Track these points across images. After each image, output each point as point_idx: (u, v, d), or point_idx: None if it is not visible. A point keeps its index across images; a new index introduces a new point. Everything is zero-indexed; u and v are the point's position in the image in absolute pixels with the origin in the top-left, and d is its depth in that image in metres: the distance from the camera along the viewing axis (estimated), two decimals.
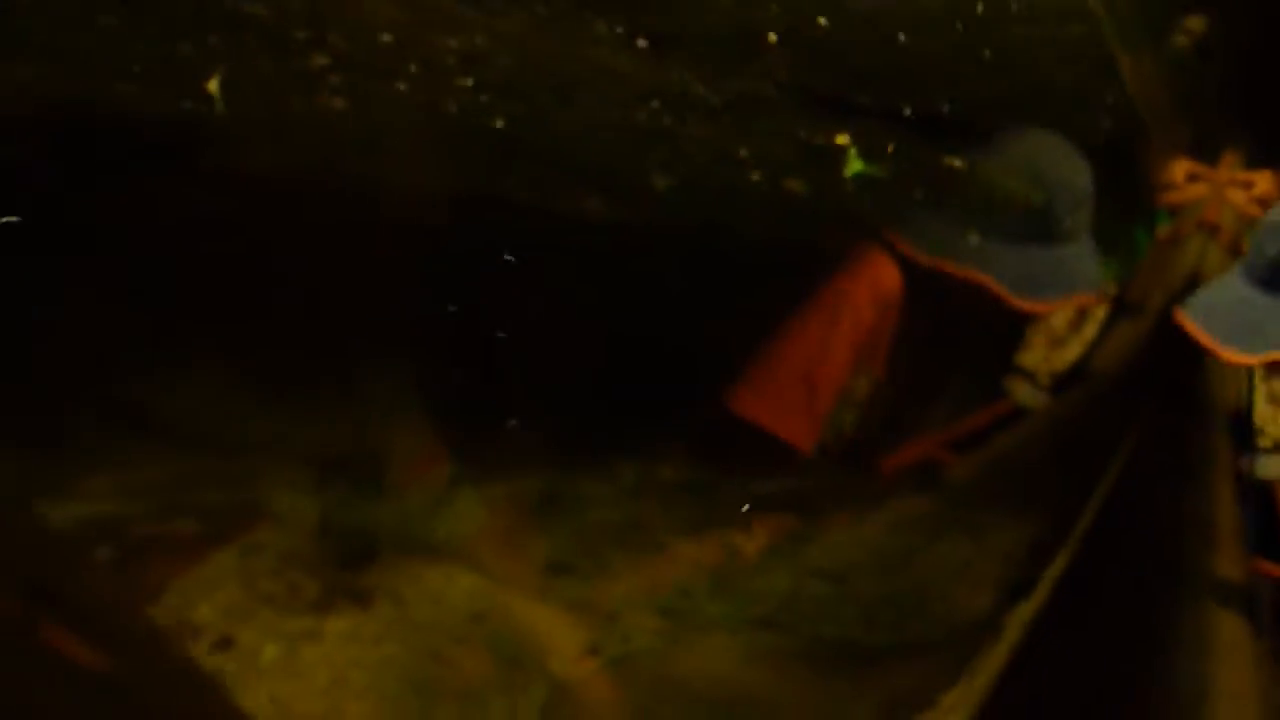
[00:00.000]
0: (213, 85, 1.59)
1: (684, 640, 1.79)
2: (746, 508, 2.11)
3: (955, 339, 2.46)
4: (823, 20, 1.82)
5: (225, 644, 1.80)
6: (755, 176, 2.02)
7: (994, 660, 1.42)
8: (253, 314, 2.20)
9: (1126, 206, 2.52)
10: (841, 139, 1.98)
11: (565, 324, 2.44)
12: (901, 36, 1.98)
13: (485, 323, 2.40)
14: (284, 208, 2.07)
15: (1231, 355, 2.25)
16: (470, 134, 1.87)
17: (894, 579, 1.90)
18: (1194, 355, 2.55)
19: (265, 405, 2.17)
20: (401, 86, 1.78)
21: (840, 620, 1.77)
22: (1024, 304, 2.31)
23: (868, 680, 1.56)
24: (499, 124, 1.87)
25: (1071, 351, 2.65)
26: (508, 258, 2.26)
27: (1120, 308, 2.65)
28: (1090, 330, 2.64)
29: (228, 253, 2.14)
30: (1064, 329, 2.63)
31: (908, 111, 2.16)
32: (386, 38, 1.67)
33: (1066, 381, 2.63)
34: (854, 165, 1.99)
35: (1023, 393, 2.59)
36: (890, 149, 2.04)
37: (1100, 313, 2.65)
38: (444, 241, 2.16)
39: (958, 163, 2.21)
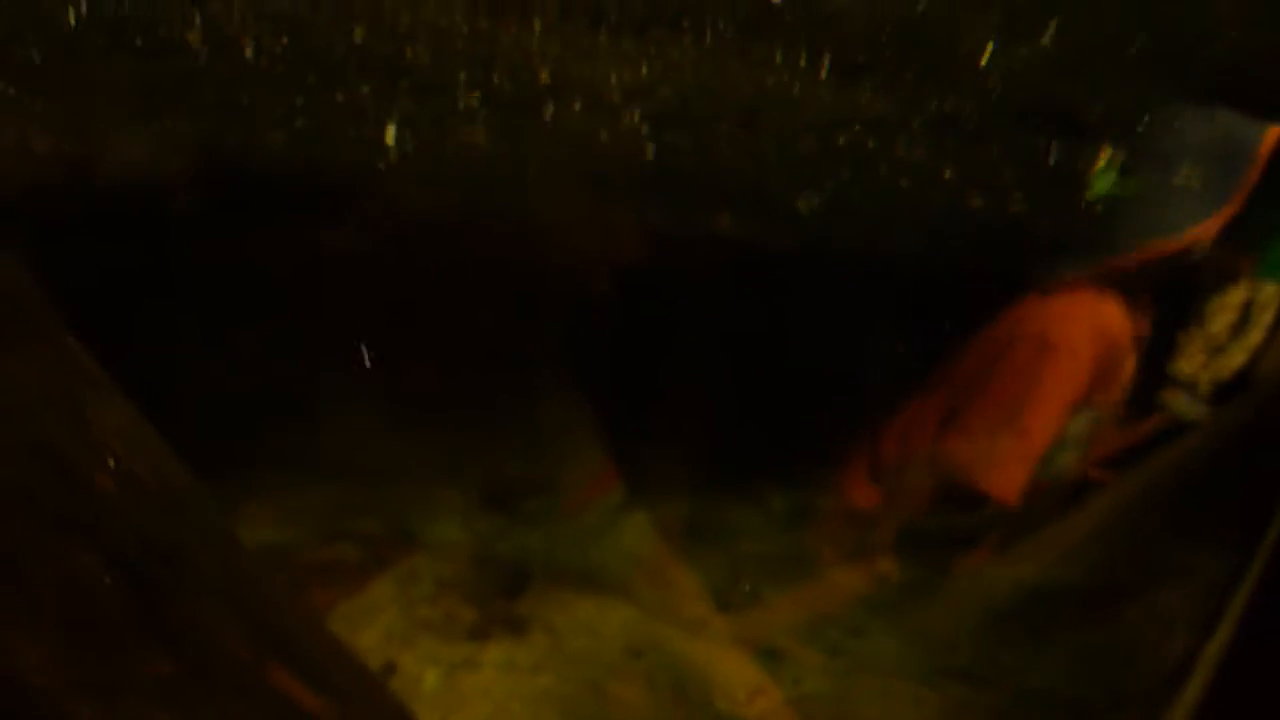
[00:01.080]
0: (389, 134, 1.62)
1: (861, 685, 1.68)
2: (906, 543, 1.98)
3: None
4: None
5: (389, 670, 1.81)
6: (975, 201, 1.90)
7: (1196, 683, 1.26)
8: (416, 349, 2.24)
9: None
10: (1088, 160, 1.85)
11: (724, 350, 2.38)
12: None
13: (645, 351, 2.37)
14: (442, 245, 2.11)
15: None
16: (636, 167, 1.84)
17: (1103, 630, 1.74)
18: None
19: (425, 438, 2.21)
20: (557, 119, 1.77)
21: (1046, 672, 1.62)
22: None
23: None
24: (654, 153, 1.84)
25: (1236, 358, 2.40)
26: (673, 286, 2.23)
27: None
28: (1256, 336, 2.38)
29: (389, 290, 2.19)
30: (1225, 334, 2.38)
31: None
32: (545, 76, 1.67)
33: (1230, 391, 2.38)
34: (1100, 185, 1.84)
35: (1180, 405, 2.36)
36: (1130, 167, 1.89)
37: (1267, 317, 2.39)
38: (609, 274, 2.15)
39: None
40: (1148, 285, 2.13)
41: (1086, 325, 1.99)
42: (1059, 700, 1.50)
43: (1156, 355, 2.42)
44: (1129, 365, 2.05)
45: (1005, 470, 1.96)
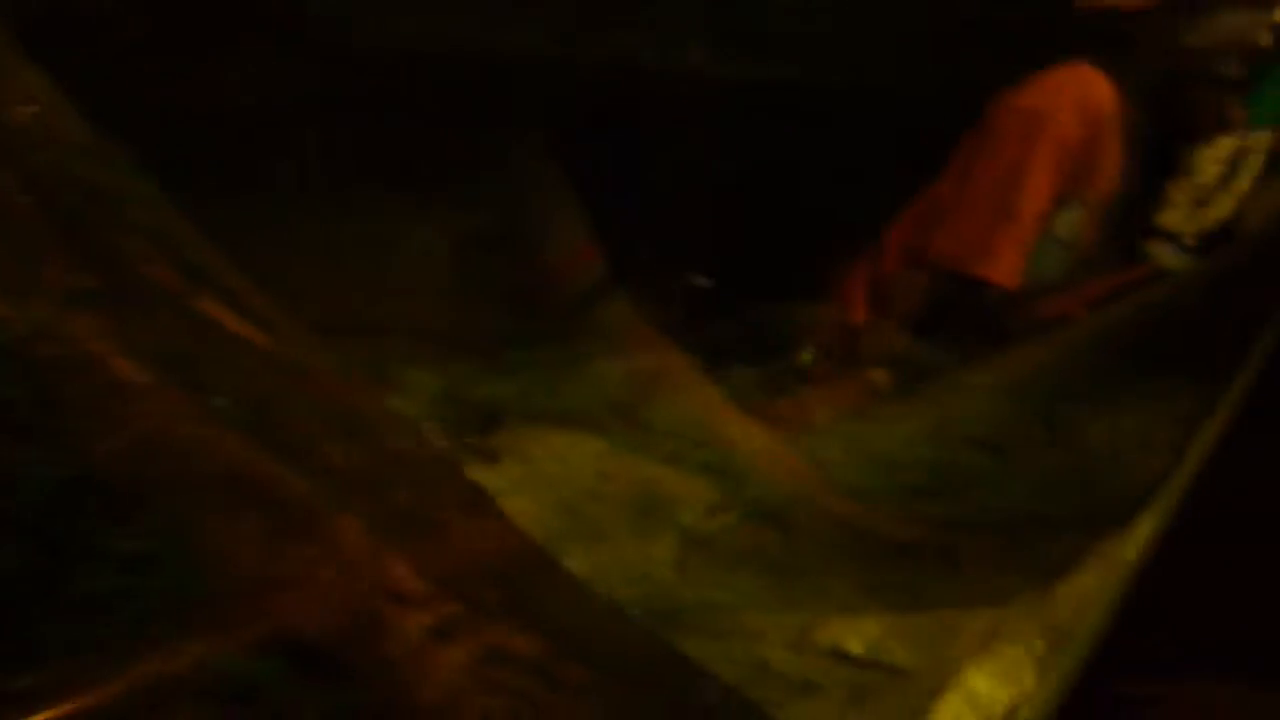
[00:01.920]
0: None
1: (821, 500, 1.72)
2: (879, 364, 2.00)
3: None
4: None
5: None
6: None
7: (1175, 487, 1.30)
8: (377, 185, 2.21)
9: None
10: None
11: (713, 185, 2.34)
12: None
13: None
14: (402, 78, 2.06)
15: None
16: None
17: (1067, 451, 1.77)
18: None
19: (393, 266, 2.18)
20: None
21: (1008, 492, 1.65)
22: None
23: (1046, 540, 1.45)
24: None
25: (1222, 207, 2.38)
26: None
27: (1274, 159, 2.35)
28: (1243, 183, 2.36)
29: (349, 127, 2.15)
30: (1213, 184, 2.36)
31: None
32: None
33: (1214, 242, 2.37)
34: None
35: (1164, 255, 2.36)
36: None
37: (1256, 164, 2.36)
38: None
39: None
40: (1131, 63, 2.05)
41: (1073, 99, 1.95)
42: (1021, 516, 1.54)
43: (1144, 206, 2.40)
44: (1116, 152, 2.02)
45: (1000, 254, 1.96)
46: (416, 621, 0.51)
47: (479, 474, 2.00)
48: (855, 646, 1.12)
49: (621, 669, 0.58)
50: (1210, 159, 2.40)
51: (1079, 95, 1.97)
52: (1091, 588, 1.08)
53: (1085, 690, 0.85)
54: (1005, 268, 2.00)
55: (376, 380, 2.22)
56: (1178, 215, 2.38)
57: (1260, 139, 2.37)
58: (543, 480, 1.91)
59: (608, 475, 1.92)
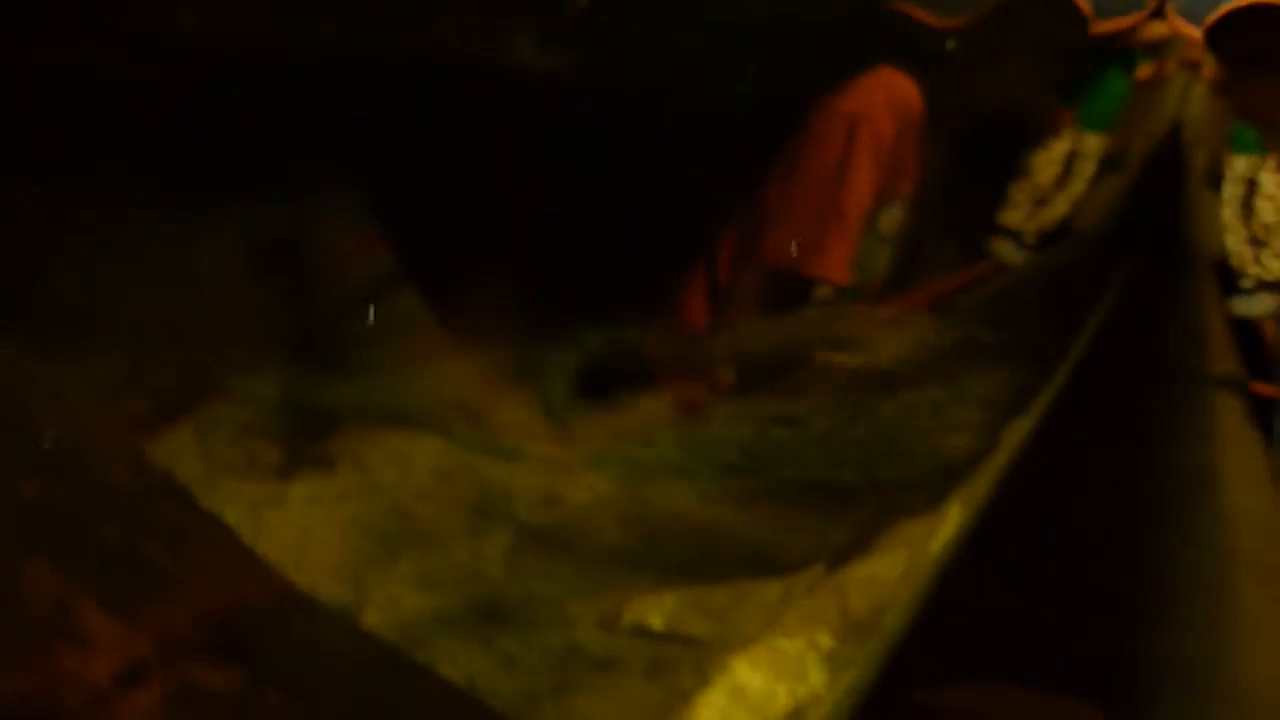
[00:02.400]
0: None
1: (649, 486, 1.76)
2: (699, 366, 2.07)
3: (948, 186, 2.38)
4: None
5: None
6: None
7: (985, 478, 1.38)
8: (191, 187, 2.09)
9: (1101, 44, 2.41)
10: None
11: (529, 192, 2.35)
12: None
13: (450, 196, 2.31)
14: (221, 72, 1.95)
15: None
16: None
17: (859, 425, 1.87)
18: (1176, 204, 2.50)
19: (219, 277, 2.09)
20: None
21: (803, 463, 1.74)
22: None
23: (836, 513, 1.53)
24: None
25: (1059, 208, 2.59)
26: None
27: (1106, 160, 2.57)
28: (1078, 186, 2.57)
29: (162, 123, 2.03)
30: (1050, 185, 2.56)
31: None
32: None
33: (1051, 240, 2.57)
34: None
35: (1006, 251, 2.54)
36: None
37: (1089, 167, 2.57)
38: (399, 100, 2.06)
39: None
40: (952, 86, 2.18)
41: (885, 96, 2.07)
42: (813, 485, 1.63)
43: (987, 206, 2.57)
44: (920, 152, 2.16)
45: (828, 252, 2.06)
46: (102, 667, 0.50)
47: (313, 482, 1.96)
48: (656, 622, 1.17)
49: (337, 689, 0.58)
50: (1045, 161, 2.59)
51: (891, 97, 2.09)
52: (889, 576, 1.11)
53: (880, 698, 0.83)
54: (834, 264, 2.10)
55: (207, 391, 2.12)
56: (1019, 214, 2.57)
57: (1091, 142, 2.58)
58: (378, 485, 1.88)
59: (446, 475, 1.90)
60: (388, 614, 1.49)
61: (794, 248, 2.13)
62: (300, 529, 1.77)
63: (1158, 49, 2.49)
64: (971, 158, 2.51)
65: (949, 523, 1.29)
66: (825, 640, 0.99)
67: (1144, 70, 2.52)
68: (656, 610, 1.12)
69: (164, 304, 2.15)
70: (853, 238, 2.15)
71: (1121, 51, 2.46)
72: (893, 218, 2.26)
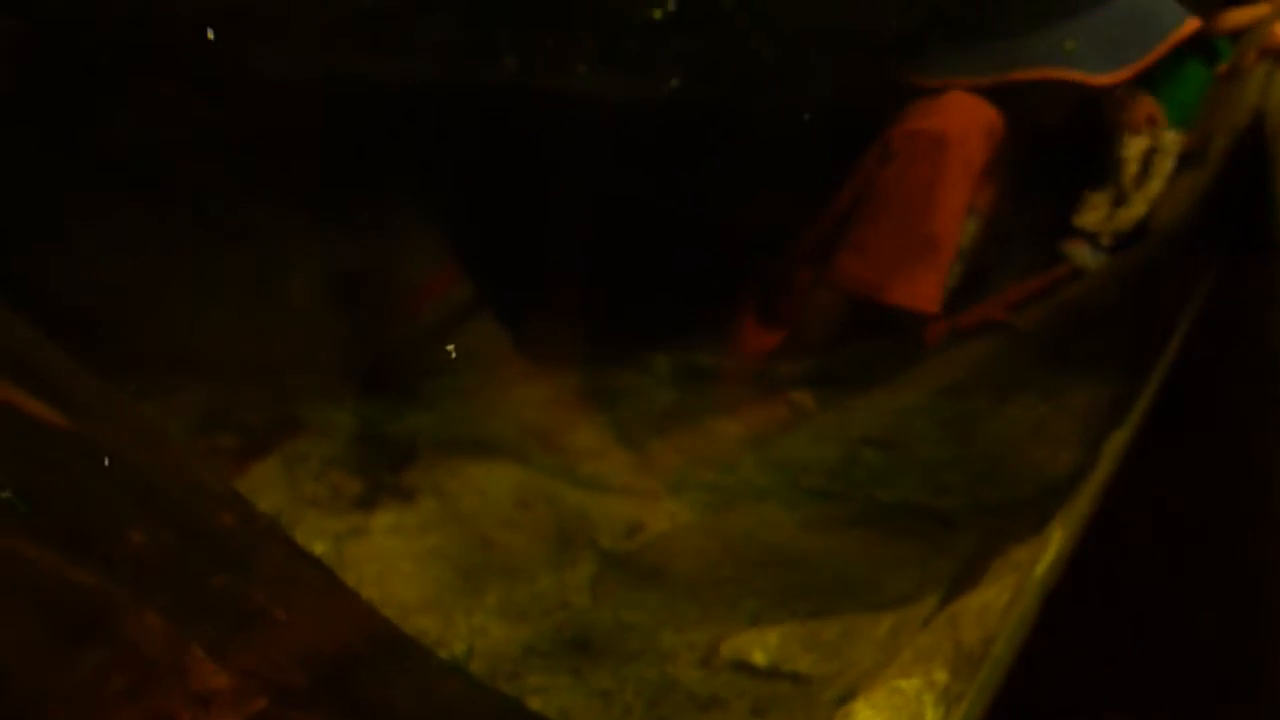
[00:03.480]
0: None
1: (733, 512, 1.72)
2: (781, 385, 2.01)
3: (1018, 196, 2.30)
4: None
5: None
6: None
7: (1085, 497, 1.30)
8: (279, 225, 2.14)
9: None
10: None
11: (595, 212, 2.34)
12: None
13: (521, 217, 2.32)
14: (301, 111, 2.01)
15: None
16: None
17: (960, 445, 1.79)
18: (1262, 197, 2.36)
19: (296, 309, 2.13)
20: None
21: (901, 486, 1.67)
22: (1107, 78, 2.07)
23: (940, 539, 1.46)
24: None
25: (1137, 209, 2.48)
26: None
27: (1184, 157, 2.45)
28: (1156, 185, 2.46)
29: (247, 163, 2.09)
30: (1129, 186, 2.45)
31: None
32: None
33: (1129, 241, 2.46)
34: None
35: (1082, 255, 2.44)
36: None
37: (1167, 165, 2.45)
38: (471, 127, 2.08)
39: None
40: (1023, 110, 2.14)
41: (973, 118, 1.99)
42: (913, 509, 1.56)
43: (1063, 209, 2.48)
44: (999, 174, 2.08)
45: (920, 281, 1.98)
46: None
47: (394, 513, 1.97)
48: (759, 658, 1.12)
49: None
50: (1125, 161, 2.48)
51: (977, 119, 2.02)
52: (998, 605, 1.05)
53: None
54: (926, 295, 2.02)
55: (289, 423, 2.16)
56: (1097, 216, 2.47)
57: (1170, 139, 2.47)
58: (459, 514, 1.88)
59: (525, 503, 1.89)
60: (475, 646, 1.47)
61: (876, 273, 2.05)
62: (383, 561, 1.78)
63: (1238, 38, 2.37)
64: (1042, 158, 2.41)
65: (1052, 546, 1.22)
66: (941, 676, 0.93)
67: (1223, 65, 2.39)
68: (759, 646, 1.07)
69: (247, 338, 2.21)
70: (946, 267, 2.06)
71: (1202, 42, 2.34)
72: (970, 232, 2.18)
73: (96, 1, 1.75)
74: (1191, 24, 2.14)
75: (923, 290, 2.00)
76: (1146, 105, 2.40)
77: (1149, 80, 2.44)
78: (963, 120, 2.01)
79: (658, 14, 1.79)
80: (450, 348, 1.95)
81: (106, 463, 0.60)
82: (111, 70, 1.83)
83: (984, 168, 2.04)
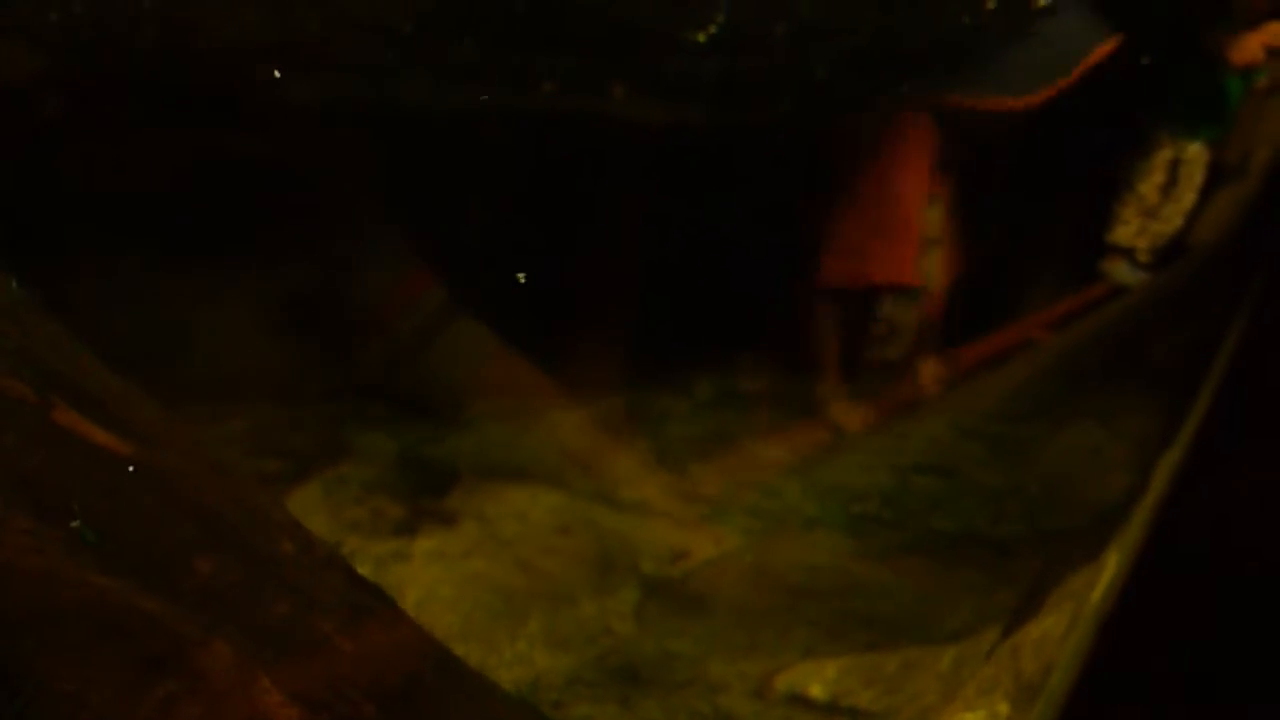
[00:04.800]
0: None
1: (779, 539, 1.69)
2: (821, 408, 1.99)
3: (1045, 219, 2.29)
4: None
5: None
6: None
7: (1137, 521, 1.26)
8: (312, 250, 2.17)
9: (1217, 53, 2.25)
10: None
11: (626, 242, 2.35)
12: None
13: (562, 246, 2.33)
14: (331, 141, 2.03)
15: None
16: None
17: (1017, 471, 1.75)
18: None
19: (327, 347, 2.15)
20: None
21: (957, 513, 1.63)
22: (1022, 104, 2.11)
23: (999, 568, 1.42)
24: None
25: (1172, 223, 2.44)
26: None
27: (1219, 171, 2.41)
28: (1189, 198, 2.42)
29: (282, 192, 2.12)
30: (1155, 195, 2.41)
31: None
32: None
33: (1168, 256, 2.42)
34: None
35: (1121, 272, 2.40)
36: None
37: (1197, 176, 2.41)
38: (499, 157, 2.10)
39: None
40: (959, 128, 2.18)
41: (925, 119, 2.05)
42: (972, 538, 1.52)
43: (1095, 227, 2.45)
44: (951, 171, 2.11)
45: (891, 253, 2.00)
46: None
47: (436, 537, 1.96)
48: (817, 691, 1.09)
49: None
50: (1148, 169, 2.46)
51: (927, 120, 2.08)
52: (1057, 634, 1.02)
53: None
54: (899, 266, 2.04)
55: (334, 447, 2.18)
56: (1129, 231, 2.43)
57: (1194, 150, 2.43)
58: (501, 539, 1.87)
59: (567, 529, 1.87)
60: (519, 673, 1.46)
61: (851, 260, 2.07)
62: (425, 586, 1.77)
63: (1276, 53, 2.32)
64: (1068, 173, 2.39)
65: (1106, 571, 1.19)
66: (1003, 709, 0.90)
67: (1261, 80, 2.35)
68: (816, 679, 1.04)
69: (288, 364, 2.23)
70: (914, 237, 2.08)
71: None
72: (935, 216, 2.18)
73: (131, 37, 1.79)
74: (1110, 44, 2.20)
75: (897, 263, 2.02)
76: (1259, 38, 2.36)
77: (1178, 94, 2.42)
78: (916, 118, 2.07)
79: (701, 38, 1.79)
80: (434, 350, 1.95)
81: (171, 491, 0.60)
82: (152, 103, 1.89)
83: (934, 161, 2.08)
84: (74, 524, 0.54)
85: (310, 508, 2.02)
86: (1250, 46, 2.35)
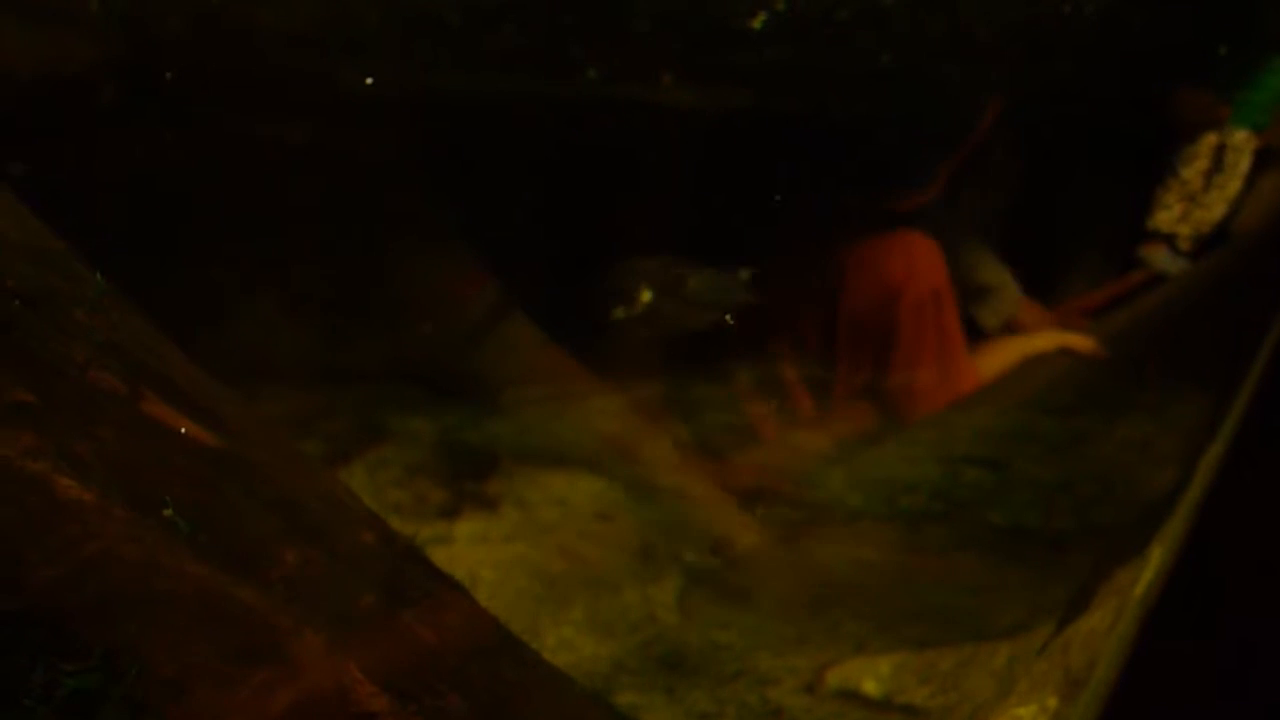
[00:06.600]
0: None
1: (823, 530, 1.68)
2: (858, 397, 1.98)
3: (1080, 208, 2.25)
4: None
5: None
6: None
7: (1181, 514, 1.25)
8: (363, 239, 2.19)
9: (1269, 35, 2.18)
10: None
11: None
12: None
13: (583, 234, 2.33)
14: (385, 130, 2.04)
15: None
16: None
17: (1068, 464, 1.73)
18: None
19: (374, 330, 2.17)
20: None
21: (1008, 508, 1.62)
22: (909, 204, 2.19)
23: (1052, 563, 1.40)
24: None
25: (1215, 210, 2.37)
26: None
27: (1264, 156, 2.34)
28: (1234, 185, 2.35)
29: (332, 182, 2.14)
30: (1199, 181, 2.35)
31: None
32: None
33: (1210, 244, 2.36)
34: None
35: (1160, 258, 2.35)
36: None
37: (1243, 163, 2.35)
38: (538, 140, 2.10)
39: None
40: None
41: (934, 260, 2.07)
42: (1025, 532, 1.50)
43: (1136, 212, 2.40)
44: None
45: (958, 382, 2.01)
46: None
47: (478, 521, 1.98)
48: (870, 687, 1.09)
49: None
50: (1193, 155, 2.40)
51: (934, 258, 2.12)
52: (1104, 628, 1.01)
53: None
54: (966, 381, 2.05)
55: (374, 431, 2.21)
56: (1170, 216, 2.37)
57: (1240, 136, 2.37)
58: (541, 525, 1.88)
59: (606, 515, 1.88)
60: (563, 659, 1.47)
61: (915, 398, 2.09)
62: (468, 569, 1.79)
63: None
64: (1111, 159, 2.35)
65: (1150, 565, 1.18)
66: (1052, 702, 0.90)
67: None
68: (870, 675, 1.04)
69: (331, 347, 2.26)
70: (971, 384, 2.09)
71: None
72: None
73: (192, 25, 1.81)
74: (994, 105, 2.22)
75: (964, 380, 2.04)
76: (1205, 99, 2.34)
77: (1228, 80, 2.36)
78: (930, 265, 2.11)
79: (758, 24, 1.77)
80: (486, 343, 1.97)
81: (256, 483, 0.61)
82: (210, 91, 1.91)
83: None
84: (167, 513, 0.55)
85: (353, 490, 2.05)
86: None
